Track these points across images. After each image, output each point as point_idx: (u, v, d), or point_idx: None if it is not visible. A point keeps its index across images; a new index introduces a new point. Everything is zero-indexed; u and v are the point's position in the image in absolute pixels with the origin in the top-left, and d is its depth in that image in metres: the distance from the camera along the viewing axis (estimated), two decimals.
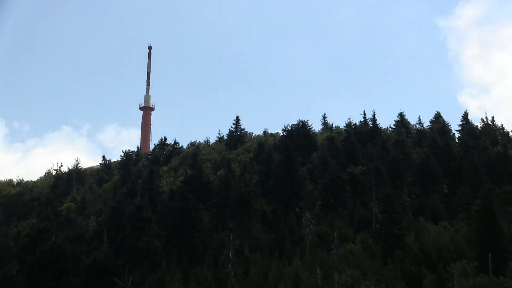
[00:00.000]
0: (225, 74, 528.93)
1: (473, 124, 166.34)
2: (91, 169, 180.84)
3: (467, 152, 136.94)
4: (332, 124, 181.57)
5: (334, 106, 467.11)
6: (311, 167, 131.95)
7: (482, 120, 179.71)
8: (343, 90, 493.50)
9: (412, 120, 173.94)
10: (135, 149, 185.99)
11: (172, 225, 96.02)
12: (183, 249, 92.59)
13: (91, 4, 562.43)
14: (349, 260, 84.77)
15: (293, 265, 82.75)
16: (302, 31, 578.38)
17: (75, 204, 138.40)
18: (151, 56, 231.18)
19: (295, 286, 77.41)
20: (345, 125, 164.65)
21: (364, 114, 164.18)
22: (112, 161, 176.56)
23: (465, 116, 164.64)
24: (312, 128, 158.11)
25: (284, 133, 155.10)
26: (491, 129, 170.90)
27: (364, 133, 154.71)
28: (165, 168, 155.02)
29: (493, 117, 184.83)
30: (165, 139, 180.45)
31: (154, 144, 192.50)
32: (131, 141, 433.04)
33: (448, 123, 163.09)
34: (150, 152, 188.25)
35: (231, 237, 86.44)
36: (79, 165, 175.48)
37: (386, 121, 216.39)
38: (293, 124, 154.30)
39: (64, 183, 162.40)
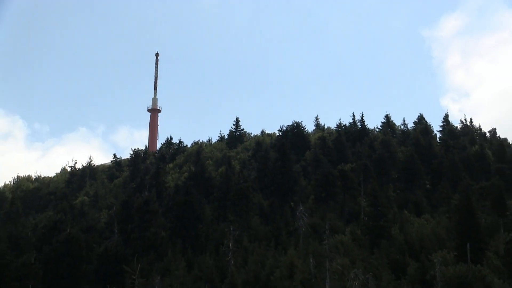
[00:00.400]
0: (226, 79, 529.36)
1: (453, 125, 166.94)
2: (103, 166, 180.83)
3: (448, 151, 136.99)
4: (324, 125, 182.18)
5: (326, 108, 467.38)
6: (304, 164, 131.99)
7: (462, 121, 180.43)
8: (334, 94, 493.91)
9: (397, 121, 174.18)
10: (144, 148, 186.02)
11: (177, 217, 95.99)
12: (187, 239, 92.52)
13: (107, 18, 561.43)
14: (339, 250, 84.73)
15: (288, 254, 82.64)
16: (297, 40, 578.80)
17: (88, 198, 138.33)
18: (158, 62, 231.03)
19: (290, 274, 77.35)
20: (335, 126, 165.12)
21: (353, 116, 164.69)
22: (122, 158, 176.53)
23: (446, 118, 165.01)
24: (305, 128, 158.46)
25: (280, 133, 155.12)
26: (469, 130, 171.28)
27: (353, 133, 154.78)
28: (170, 165, 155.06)
29: (471, 119, 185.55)
30: (171, 138, 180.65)
31: (161, 143, 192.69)
32: (141, 141, 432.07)
33: (430, 124, 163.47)
34: (157, 150, 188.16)
35: (231, 229, 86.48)
36: (92, 162, 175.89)
37: (373, 122, 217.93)
38: (288, 125, 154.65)
39: (78, 179, 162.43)
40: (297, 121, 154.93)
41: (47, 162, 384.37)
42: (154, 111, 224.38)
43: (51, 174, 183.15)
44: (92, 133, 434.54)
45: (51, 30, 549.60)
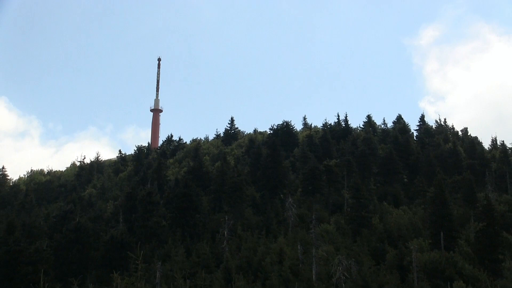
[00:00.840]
0: (222, 82, 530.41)
1: (428, 125, 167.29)
2: (109, 161, 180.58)
3: (423, 148, 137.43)
4: (311, 124, 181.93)
5: (313, 109, 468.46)
6: (293, 160, 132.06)
7: (436, 121, 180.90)
8: (321, 96, 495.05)
9: (378, 121, 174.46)
10: (147, 145, 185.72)
11: (177, 208, 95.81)
12: (186, 228, 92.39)
13: (116, 28, 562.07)
14: (324, 238, 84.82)
15: (278, 242, 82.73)
16: (288, 48, 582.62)
17: (96, 190, 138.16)
18: (160, 66, 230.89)
19: (280, 259, 77.40)
20: (322, 125, 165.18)
21: (338, 116, 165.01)
22: (127, 154, 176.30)
23: (422, 118, 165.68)
24: (294, 127, 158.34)
25: (271, 132, 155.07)
26: (443, 129, 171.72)
27: (338, 132, 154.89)
28: (171, 160, 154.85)
29: (445, 119, 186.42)
30: (171, 136, 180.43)
31: (162, 140, 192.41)
32: (145, 138, 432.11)
33: (408, 124, 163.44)
34: (159, 147, 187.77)
35: (226, 218, 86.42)
36: (99, 157, 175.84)
37: (356, 122, 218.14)
38: (278, 124, 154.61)
39: (86, 173, 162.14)
40: (287, 120, 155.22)
41: (60, 158, 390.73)
42: (156, 111, 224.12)
43: (63, 168, 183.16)
44: (101, 131, 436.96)
45: (66, 40, 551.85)
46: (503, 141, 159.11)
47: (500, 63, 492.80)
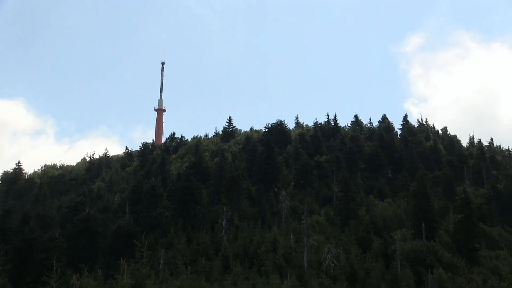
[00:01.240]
0: (221, 84, 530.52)
1: (411, 124, 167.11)
2: (117, 156, 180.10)
3: (407, 145, 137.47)
4: (303, 123, 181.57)
5: (305, 109, 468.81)
6: (286, 156, 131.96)
7: (418, 121, 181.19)
8: (312, 98, 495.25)
9: (365, 120, 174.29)
10: (151, 142, 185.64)
11: (179, 200, 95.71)
12: (187, 218, 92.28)
13: (124, 35, 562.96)
14: (315, 228, 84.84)
15: (272, 232, 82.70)
16: (283, 54, 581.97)
17: (104, 183, 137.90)
18: (164, 69, 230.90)
19: (274, 248, 77.39)
20: (313, 124, 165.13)
21: (328, 116, 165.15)
22: (133, 150, 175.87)
23: (406, 118, 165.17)
24: (287, 126, 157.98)
25: (266, 130, 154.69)
26: (425, 128, 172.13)
27: (328, 130, 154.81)
28: (173, 156, 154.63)
29: (426, 119, 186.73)
30: (174, 133, 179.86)
31: (166, 138, 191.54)
32: (151, 136, 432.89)
33: (392, 123, 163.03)
34: (162, 144, 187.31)
35: (224, 210, 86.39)
36: (107, 153, 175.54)
37: (345, 121, 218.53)
38: (273, 123, 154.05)
39: (95, 167, 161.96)
40: (281, 120, 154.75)
41: (72, 154, 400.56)
42: (160, 111, 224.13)
43: (74, 163, 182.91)
44: (111, 130, 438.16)
45: (79, 46, 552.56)
46: (479, 140, 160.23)
47: (479, 69, 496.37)
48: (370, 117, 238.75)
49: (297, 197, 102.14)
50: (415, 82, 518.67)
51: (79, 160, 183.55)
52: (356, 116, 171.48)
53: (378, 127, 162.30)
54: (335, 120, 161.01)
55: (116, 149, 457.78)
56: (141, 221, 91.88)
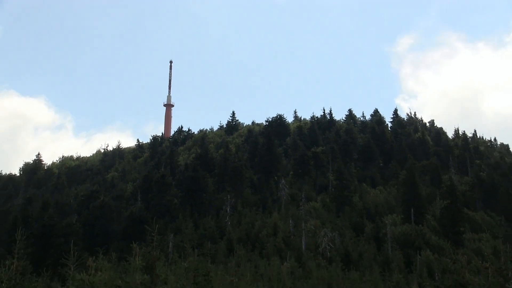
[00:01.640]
0: (226, 80, 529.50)
1: (401, 117, 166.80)
2: (129, 148, 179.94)
3: (397, 137, 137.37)
4: (301, 117, 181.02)
5: (303, 104, 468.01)
6: (285, 148, 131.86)
7: (408, 114, 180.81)
8: (309, 93, 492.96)
9: (358, 114, 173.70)
10: (160, 134, 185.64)
11: (186, 189, 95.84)
12: (194, 205, 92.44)
13: (137, 38, 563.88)
14: (312, 214, 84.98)
15: (272, 217, 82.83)
16: (283, 52, 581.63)
17: (117, 173, 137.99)
18: (172, 67, 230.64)
19: (274, 232, 77.57)
20: (310, 117, 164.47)
21: (324, 110, 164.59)
22: (144, 143, 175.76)
23: (396, 111, 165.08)
24: (286, 120, 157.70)
25: (267, 123, 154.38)
26: (413, 121, 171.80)
27: (324, 123, 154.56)
28: (181, 148, 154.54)
29: (415, 113, 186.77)
30: (182, 127, 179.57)
31: (174, 131, 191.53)
32: (161, 129, 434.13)
33: (383, 117, 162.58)
34: (171, 136, 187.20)
35: (228, 197, 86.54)
36: (120, 145, 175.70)
37: (339, 115, 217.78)
38: (273, 117, 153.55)
39: (109, 158, 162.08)
40: (280, 114, 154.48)
41: (90, 147, 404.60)
42: (168, 106, 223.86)
43: (89, 155, 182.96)
44: (125, 124, 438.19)
45: (95, 47, 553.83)
46: (464, 132, 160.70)
47: (464, 67, 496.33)
48: (363, 111, 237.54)
49: (295, 185, 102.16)
50: (405, 79, 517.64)
51: (94, 152, 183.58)
52: (350, 110, 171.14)
53: (370, 120, 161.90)
54: (330, 114, 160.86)
55: (129, 142, 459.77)
56: (151, 208, 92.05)
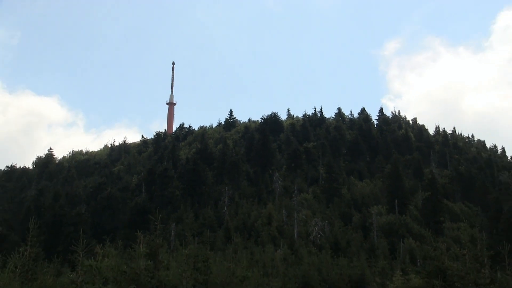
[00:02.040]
0: (224, 80, 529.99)
1: (386, 115, 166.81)
2: (134, 143, 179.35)
3: (382, 133, 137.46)
4: (293, 115, 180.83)
5: (296, 103, 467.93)
6: (279, 143, 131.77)
7: (392, 113, 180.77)
8: (302, 93, 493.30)
9: (346, 112, 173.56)
10: (163, 131, 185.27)
11: (187, 181, 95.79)
12: (194, 196, 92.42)
13: (143, 41, 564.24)
14: (304, 204, 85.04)
15: (267, 208, 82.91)
16: (278, 55, 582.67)
17: (123, 166, 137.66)
18: (174, 69, 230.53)
19: (269, 221, 77.65)
20: (302, 115, 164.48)
21: (315, 108, 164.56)
22: (148, 138, 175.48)
23: (381, 110, 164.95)
24: (280, 117, 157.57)
25: (262, 120, 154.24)
26: (398, 119, 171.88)
27: (315, 121, 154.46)
28: (183, 143, 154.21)
29: (399, 111, 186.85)
30: (183, 124, 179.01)
31: (176, 127, 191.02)
32: (164, 126, 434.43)
33: (370, 115, 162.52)
34: (173, 132, 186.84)
35: (226, 189, 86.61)
36: (126, 141, 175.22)
37: (329, 113, 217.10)
38: (268, 115, 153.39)
39: (116, 153, 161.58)
40: (275, 112, 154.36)
41: (99, 142, 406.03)
42: (171, 104, 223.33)
43: (96, 148, 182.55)
44: (131, 122, 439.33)
45: (105, 51, 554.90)
46: (444, 129, 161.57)
47: (446, 70, 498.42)
48: (351, 109, 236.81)
49: (288, 178, 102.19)
50: (392, 81, 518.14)
51: (102, 147, 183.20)
52: (339, 109, 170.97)
53: (358, 118, 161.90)
54: (321, 112, 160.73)
55: (135, 138, 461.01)
56: (155, 199, 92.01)
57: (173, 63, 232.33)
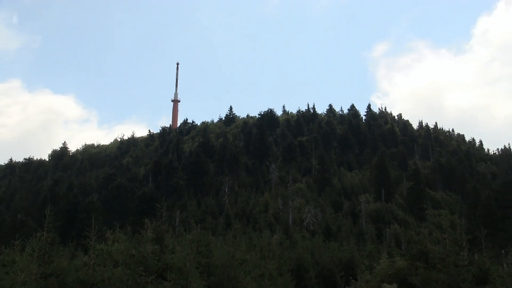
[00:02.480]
0: (225, 79, 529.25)
1: (373, 111, 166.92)
2: (141, 137, 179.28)
3: (370, 128, 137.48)
4: (288, 111, 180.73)
5: (291, 100, 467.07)
6: (275, 137, 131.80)
7: (379, 109, 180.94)
8: (296, 90, 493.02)
9: (337, 108, 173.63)
10: (169, 126, 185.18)
11: (190, 172, 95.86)
12: (197, 186, 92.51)
13: (150, 44, 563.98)
14: (298, 193, 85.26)
15: (264, 196, 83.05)
16: (275, 55, 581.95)
17: (132, 158, 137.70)
18: (178, 68, 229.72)
19: (266, 209, 77.78)
20: (296, 111, 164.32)
21: (308, 105, 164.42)
22: (154, 133, 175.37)
23: (369, 106, 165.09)
24: (276, 113, 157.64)
25: (259, 116, 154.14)
26: (384, 114, 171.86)
27: (308, 116, 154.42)
28: (186, 137, 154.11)
29: (385, 107, 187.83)
30: (187, 119, 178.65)
31: (180, 123, 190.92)
32: (169, 121, 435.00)
33: (358, 111, 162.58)
34: (178, 127, 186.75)
35: (227, 179, 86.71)
36: (134, 135, 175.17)
37: (321, 109, 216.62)
38: (265, 111, 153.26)
39: (125, 146, 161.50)
40: (271, 108, 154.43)
41: (111, 137, 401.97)
42: (175, 101, 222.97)
43: (107, 142, 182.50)
44: (140, 118, 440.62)
45: (116, 52, 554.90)
46: (427, 123, 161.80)
47: (430, 70, 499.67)
48: (341, 106, 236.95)
49: (284, 169, 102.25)
50: (380, 81, 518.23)
51: (112, 141, 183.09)
52: (330, 105, 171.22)
53: (347, 114, 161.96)
54: (314, 108, 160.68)
55: (143, 132, 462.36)
56: (161, 189, 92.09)
57: (178, 64, 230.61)
